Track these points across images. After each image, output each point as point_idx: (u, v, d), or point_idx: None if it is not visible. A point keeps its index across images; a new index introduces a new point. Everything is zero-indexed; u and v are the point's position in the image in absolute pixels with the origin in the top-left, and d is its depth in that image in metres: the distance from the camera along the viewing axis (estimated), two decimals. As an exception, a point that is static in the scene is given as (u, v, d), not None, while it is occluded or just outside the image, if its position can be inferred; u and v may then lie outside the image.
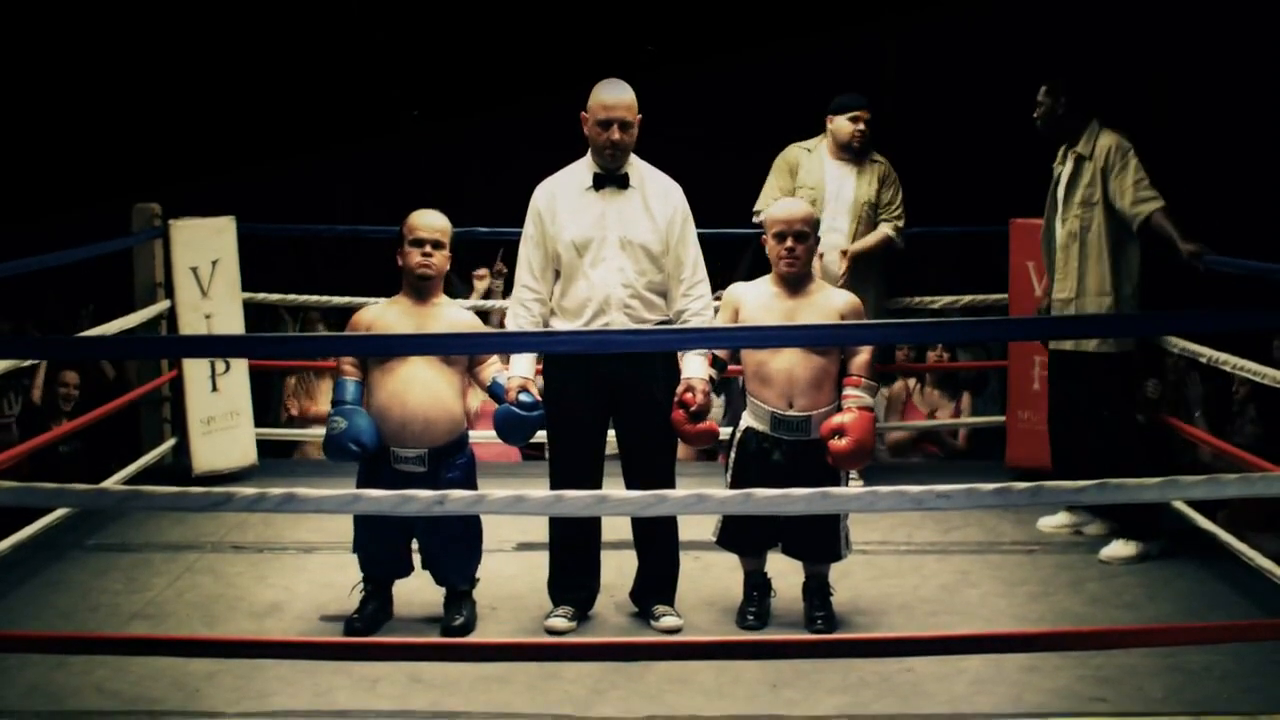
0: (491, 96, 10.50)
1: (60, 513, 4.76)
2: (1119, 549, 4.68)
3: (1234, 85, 8.96)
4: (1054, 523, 5.02)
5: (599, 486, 4.09)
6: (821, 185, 5.37)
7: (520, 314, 4.10)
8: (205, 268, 5.52)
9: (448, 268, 4.10)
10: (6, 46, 9.44)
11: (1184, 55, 8.55)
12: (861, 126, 5.39)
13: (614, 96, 4.02)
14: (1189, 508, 4.82)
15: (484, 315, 6.16)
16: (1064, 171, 4.83)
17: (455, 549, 4.07)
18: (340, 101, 10.68)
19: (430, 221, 4.05)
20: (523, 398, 3.98)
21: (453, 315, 4.10)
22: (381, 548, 4.07)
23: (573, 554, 4.15)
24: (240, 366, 5.61)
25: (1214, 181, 8.35)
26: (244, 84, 10.40)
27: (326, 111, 10.61)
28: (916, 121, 9.56)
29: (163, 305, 5.55)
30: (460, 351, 4.04)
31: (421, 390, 3.98)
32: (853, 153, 5.41)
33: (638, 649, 3.77)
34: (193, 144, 10.13)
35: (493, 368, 4.11)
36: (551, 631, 4.06)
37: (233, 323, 5.60)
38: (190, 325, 5.47)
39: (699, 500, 3.21)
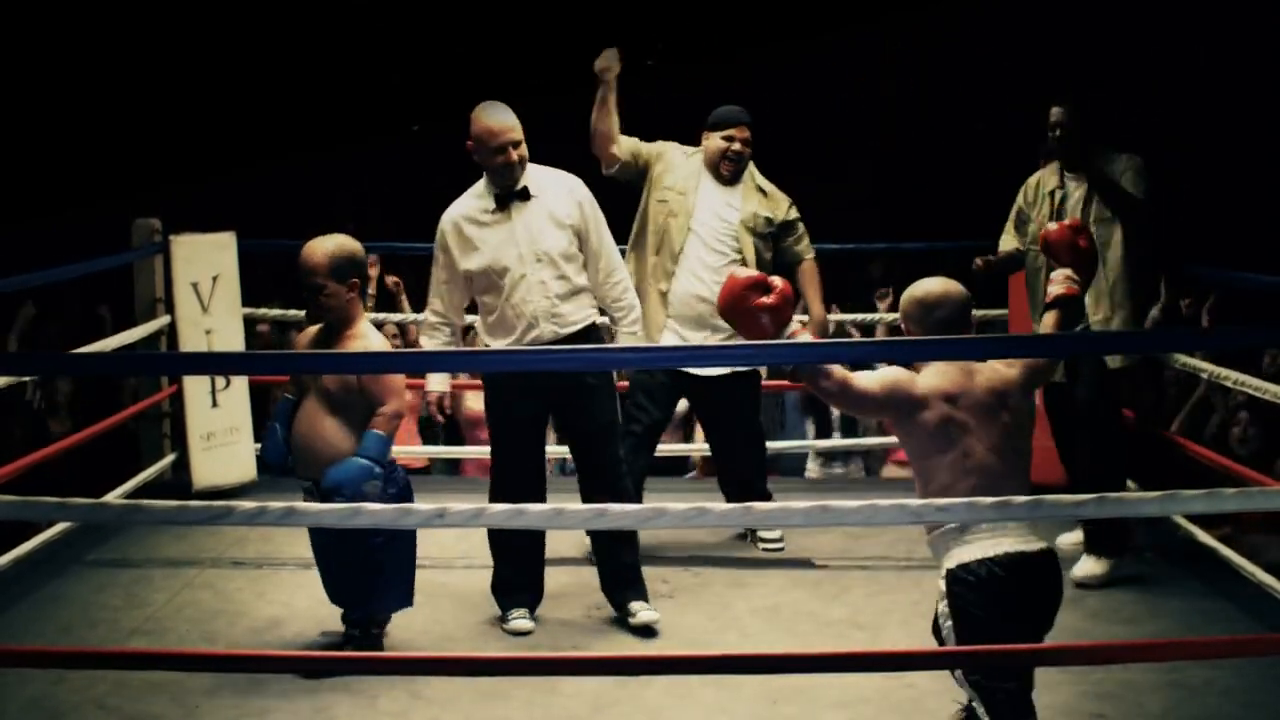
0: (493, 97, 10.54)
1: (60, 527, 4.76)
2: (1091, 567, 4.54)
3: (1232, 92, 8.97)
4: (1073, 539, 4.77)
5: (543, 490, 4.14)
6: (691, 196, 4.61)
7: (431, 346, 4.18)
8: (206, 283, 5.51)
9: (354, 293, 3.85)
10: (5, 47, 9.46)
11: (1183, 59, 8.56)
12: (737, 146, 4.60)
13: (500, 121, 4.01)
14: (1188, 522, 4.81)
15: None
16: (1071, 194, 4.67)
17: (346, 577, 3.89)
18: (340, 106, 10.70)
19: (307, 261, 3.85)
20: (368, 489, 3.71)
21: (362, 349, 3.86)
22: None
23: (519, 555, 4.16)
24: (240, 382, 5.60)
25: (1212, 188, 8.37)
26: (244, 86, 10.42)
27: (327, 116, 10.63)
28: (917, 132, 9.59)
29: (163, 320, 5.55)
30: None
31: (308, 421, 3.87)
32: (721, 179, 4.63)
33: (637, 663, 3.76)
34: (191, 146, 10.15)
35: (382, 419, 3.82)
36: (516, 633, 4.11)
37: (233, 338, 5.60)
38: (191, 341, 5.47)
39: (699, 514, 3.20)
